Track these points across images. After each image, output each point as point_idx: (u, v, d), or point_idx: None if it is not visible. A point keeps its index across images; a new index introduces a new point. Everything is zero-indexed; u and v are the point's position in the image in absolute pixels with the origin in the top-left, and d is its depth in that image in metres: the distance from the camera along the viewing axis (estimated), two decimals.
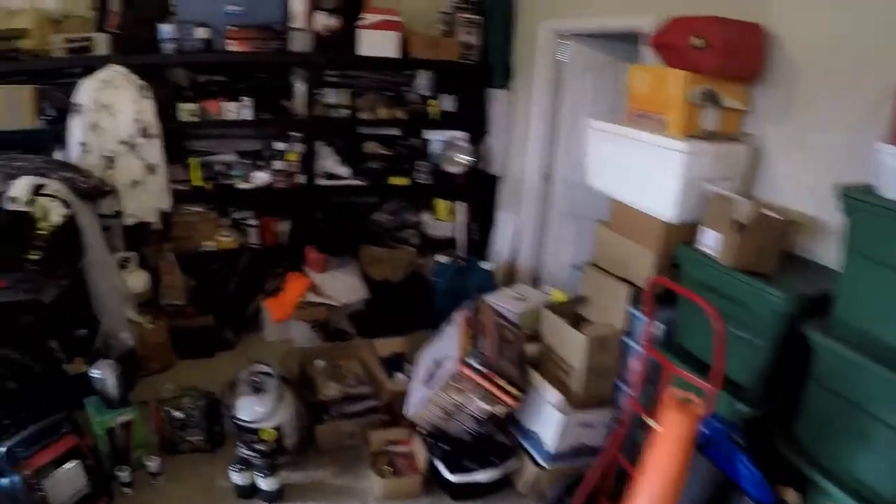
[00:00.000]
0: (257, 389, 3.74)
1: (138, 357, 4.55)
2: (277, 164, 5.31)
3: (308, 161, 5.35)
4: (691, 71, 3.12)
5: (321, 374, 4.24)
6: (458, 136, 5.69)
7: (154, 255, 5.01)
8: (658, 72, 3.34)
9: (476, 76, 5.72)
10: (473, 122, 5.79)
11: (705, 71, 3.11)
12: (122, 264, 4.81)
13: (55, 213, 4.02)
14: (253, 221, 5.44)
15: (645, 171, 3.30)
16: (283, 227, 5.51)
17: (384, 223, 5.66)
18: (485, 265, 5.36)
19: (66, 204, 4.12)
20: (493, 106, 5.78)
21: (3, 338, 3.74)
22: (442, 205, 5.87)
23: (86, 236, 4.22)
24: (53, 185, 4.14)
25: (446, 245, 5.98)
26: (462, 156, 5.64)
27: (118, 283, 4.49)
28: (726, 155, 3.24)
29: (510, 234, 5.68)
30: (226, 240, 5.30)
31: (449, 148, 5.66)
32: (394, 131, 5.83)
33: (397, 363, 4.40)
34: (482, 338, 3.52)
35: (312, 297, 5.11)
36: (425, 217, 5.89)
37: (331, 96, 5.37)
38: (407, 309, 5.38)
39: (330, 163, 5.51)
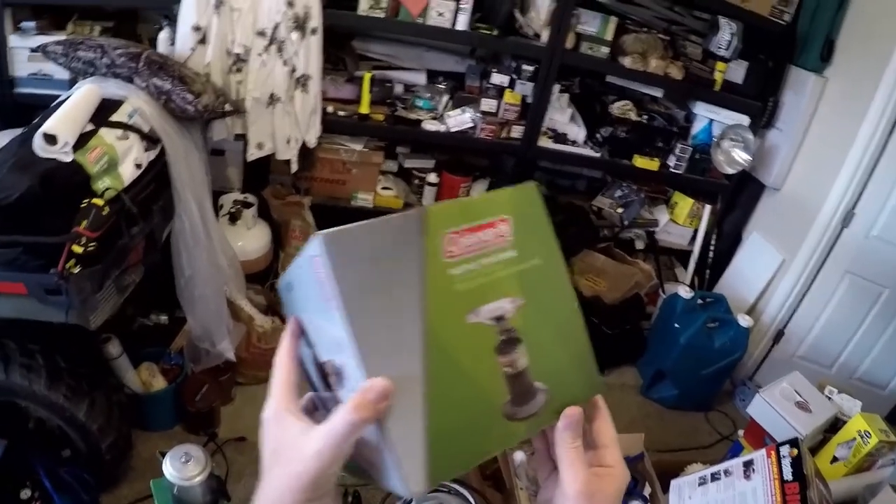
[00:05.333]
0: None
1: (238, 365, 2.70)
2: (487, 104, 3.20)
3: (536, 109, 3.23)
4: None
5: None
6: (743, 122, 3.44)
7: (282, 207, 3.04)
8: None
9: (780, 45, 3.41)
10: (757, 105, 3.49)
11: None
12: (235, 213, 2.85)
13: (129, 162, 2.05)
14: (432, 177, 3.38)
15: None
16: (475, 193, 3.41)
17: (607, 213, 3.50)
18: (743, 321, 3.22)
19: (151, 140, 2.14)
20: (791, 92, 3.48)
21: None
22: (684, 204, 3.68)
23: (178, 187, 2.26)
24: (134, 104, 2.14)
25: (678, 258, 3.85)
26: (741, 152, 3.39)
27: (222, 261, 2.56)
28: None
29: (768, 274, 3.49)
30: (386, 195, 3.30)
31: (726, 136, 3.42)
32: (655, 91, 3.54)
33: (631, 479, 2.40)
34: None
35: None
36: (660, 215, 3.70)
37: (590, 23, 3.11)
38: (613, 342, 3.42)
39: (561, 118, 3.35)
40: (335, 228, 0.50)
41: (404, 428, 0.50)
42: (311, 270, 0.50)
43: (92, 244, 1.81)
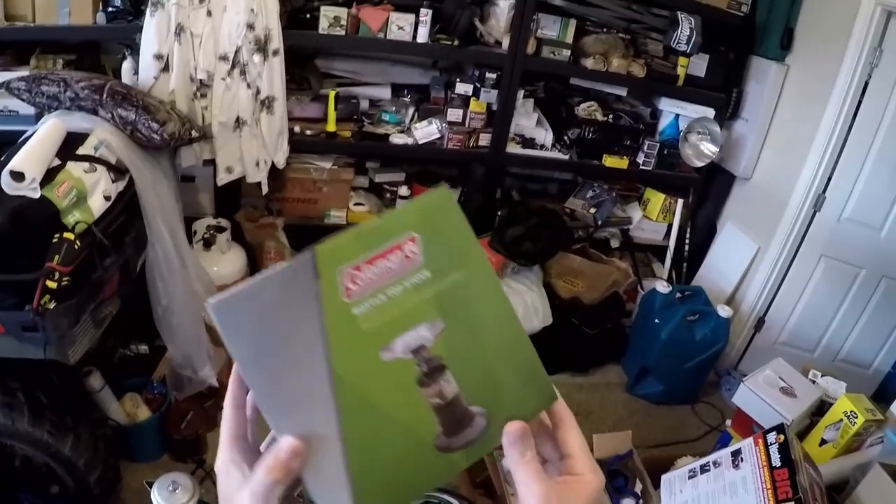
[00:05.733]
0: None
1: (222, 391, 2.70)
2: (453, 114, 3.25)
3: (501, 116, 3.29)
4: None
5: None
6: (708, 115, 3.54)
7: (256, 229, 3.07)
8: None
9: (740, 36, 3.52)
10: (722, 97, 3.59)
11: None
12: (208, 238, 2.88)
13: (97, 195, 2.07)
14: (403, 189, 3.43)
15: None
16: None
17: (580, 214, 3.57)
18: (722, 311, 3.29)
19: (118, 171, 2.17)
20: (754, 81, 3.59)
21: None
22: (656, 200, 3.76)
23: (149, 216, 2.29)
24: (99, 136, 2.17)
25: (655, 254, 3.93)
26: (708, 145, 3.50)
27: (198, 287, 2.58)
28: None
29: (744, 264, 3.58)
30: (359, 210, 3.35)
31: (692, 129, 3.51)
32: (619, 90, 3.62)
33: (620, 477, 2.51)
34: None
35: None
36: (633, 212, 3.78)
37: (550, 27, 3.18)
38: (595, 342, 3.48)
39: (528, 123, 3.42)
40: (224, 294, 0.47)
41: (326, 481, 0.50)
42: None
43: (66, 279, 1.83)
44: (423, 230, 0.52)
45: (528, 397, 0.56)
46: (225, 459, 0.54)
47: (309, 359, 0.49)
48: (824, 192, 3.23)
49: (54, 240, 1.86)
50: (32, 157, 1.91)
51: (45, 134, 2.00)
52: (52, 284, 1.81)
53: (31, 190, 1.88)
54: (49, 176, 1.93)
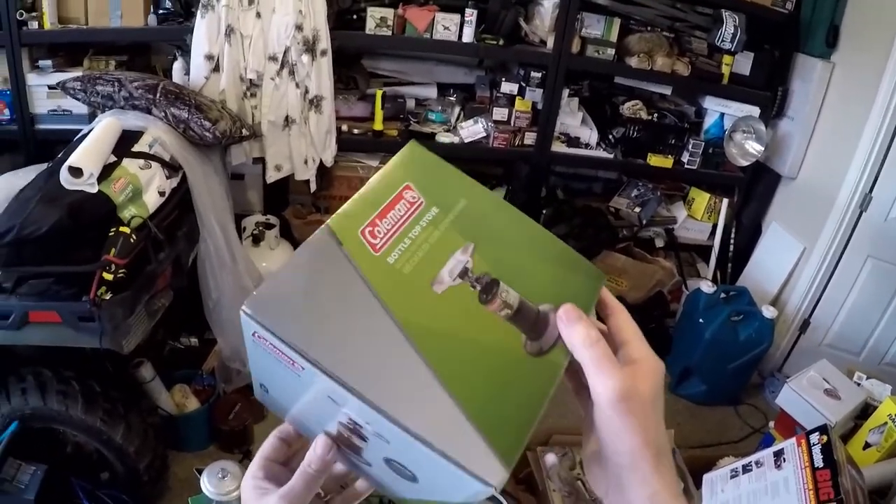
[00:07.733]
0: None
1: None
2: (499, 113, 3.23)
3: (546, 115, 3.24)
4: None
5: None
6: (753, 113, 3.44)
7: (304, 226, 3.08)
8: None
9: (785, 34, 3.41)
10: (767, 95, 3.47)
11: None
12: (257, 234, 2.89)
13: (152, 190, 2.09)
14: None
15: None
16: None
17: (625, 213, 3.50)
18: (767, 312, 3.19)
19: (172, 168, 2.18)
20: (800, 80, 3.46)
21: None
22: (701, 199, 3.67)
23: (201, 212, 2.30)
24: (154, 134, 2.19)
25: (699, 254, 3.84)
26: (754, 144, 3.39)
27: (247, 282, 2.59)
28: None
29: (790, 264, 3.45)
30: None
31: (737, 128, 3.42)
32: (663, 89, 3.54)
33: None
34: None
35: None
36: (678, 212, 3.69)
37: (594, 26, 3.13)
38: None
39: (572, 122, 3.37)
40: (252, 295, 0.45)
41: (447, 431, 0.44)
42: (263, 350, 0.46)
43: (121, 271, 1.86)
44: (412, 177, 0.55)
45: (581, 281, 0.57)
46: (247, 477, 0.55)
47: (368, 317, 0.47)
48: (871, 191, 3.10)
49: (111, 233, 1.89)
50: (90, 153, 1.94)
51: (102, 132, 2.03)
52: (108, 276, 1.84)
53: (88, 185, 1.91)
54: (106, 172, 1.97)
